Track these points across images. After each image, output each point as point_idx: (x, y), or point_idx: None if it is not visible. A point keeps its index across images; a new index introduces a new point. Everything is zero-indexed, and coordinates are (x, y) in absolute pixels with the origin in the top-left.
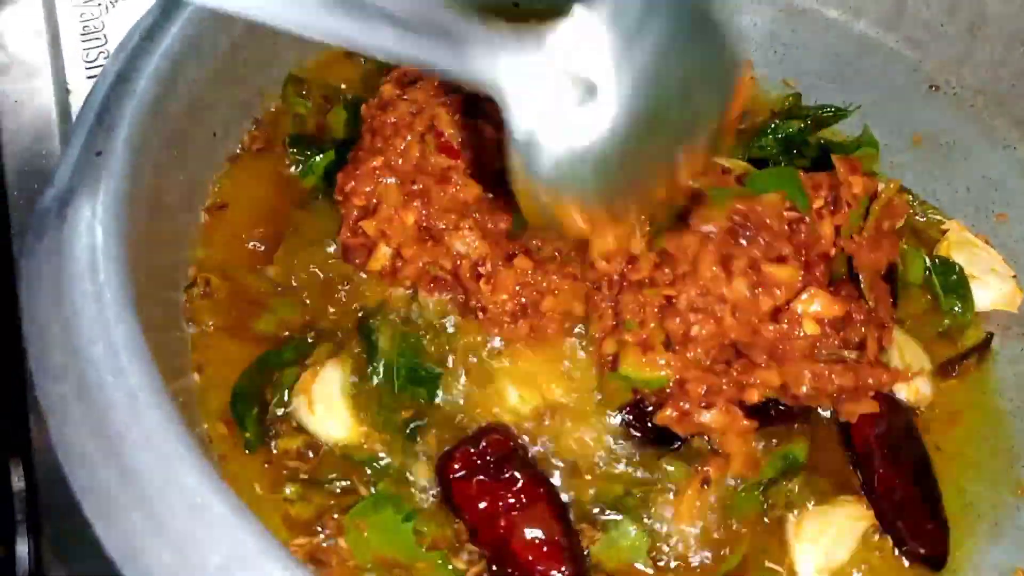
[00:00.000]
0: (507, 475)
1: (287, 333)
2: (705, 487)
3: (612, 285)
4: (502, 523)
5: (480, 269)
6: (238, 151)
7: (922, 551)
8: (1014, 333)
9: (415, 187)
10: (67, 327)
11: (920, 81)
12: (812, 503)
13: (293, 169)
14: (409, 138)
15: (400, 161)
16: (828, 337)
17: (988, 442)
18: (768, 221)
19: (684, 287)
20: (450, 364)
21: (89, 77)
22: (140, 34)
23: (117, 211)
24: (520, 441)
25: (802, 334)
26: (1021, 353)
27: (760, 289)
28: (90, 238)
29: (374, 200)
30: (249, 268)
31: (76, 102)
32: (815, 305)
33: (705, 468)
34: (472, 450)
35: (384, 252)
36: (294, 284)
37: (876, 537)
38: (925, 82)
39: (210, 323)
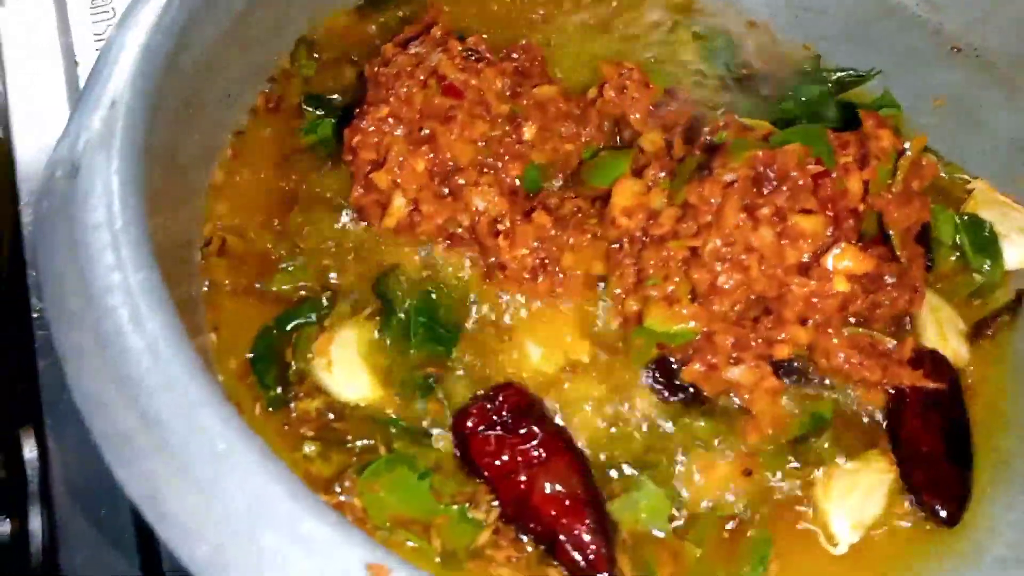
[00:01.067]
0: (525, 430)
1: (303, 293)
2: (747, 475)
3: (634, 242)
4: (522, 478)
5: (499, 226)
6: (251, 113)
7: (936, 507)
8: None
9: (422, 133)
10: (83, 275)
11: (941, 43)
12: (842, 459)
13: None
14: (411, 86)
15: (405, 109)
16: (858, 297)
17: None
18: (792, 172)
19: (709, 236)
20: (470, 323)
21: (97, 50)
22: None
23: (133, 160)
24: (538, 397)
25: (833, 291)
26: None
27: (787, 240)
28: (106, 188)
29: (383, 152)
30: (264, 229)
31: (85, 75)
32: (845, 260)
33: (745, 466)
34: (488, 406)
35: (399, 205)
36: (309, 247)
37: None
38: (946, 44)
39: (226, 282)
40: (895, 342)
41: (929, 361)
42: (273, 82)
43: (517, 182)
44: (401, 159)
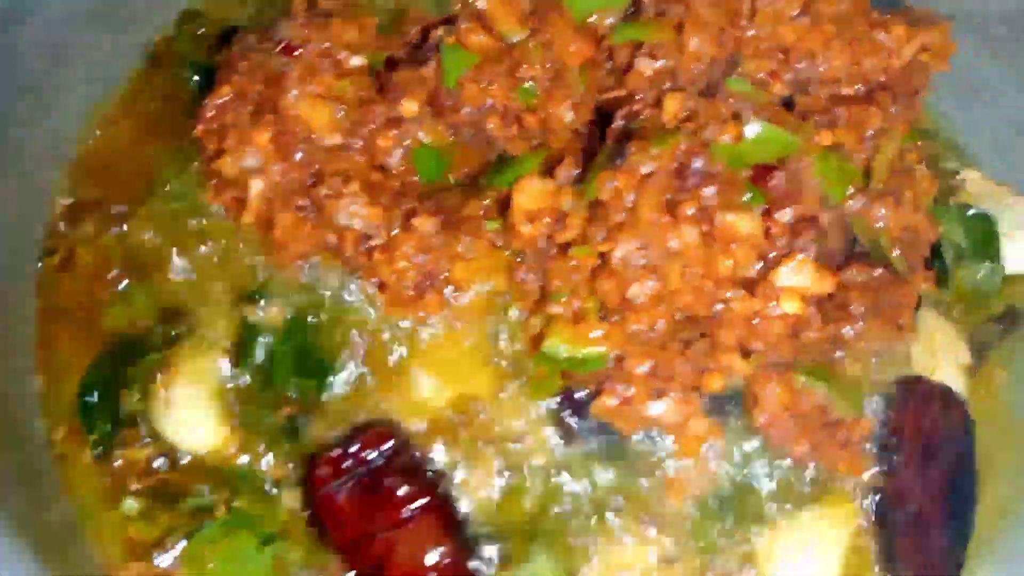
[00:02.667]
0: (387, 483)
1: (148, 322)
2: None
3: (539, 253)
4: (378, 543)
5: (372, 240)
6: (117, 100)
7: None
8: None
9: (264, 104)
10: None
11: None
12: (786, 513)
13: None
14: (253, 58)
15: (248, 84)
16: (812, 325)
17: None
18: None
19: (620, 239)
20: (349, 352)
21: None
22: None
23: None
24: (411, 442)
25: (780, 312)
26: None
27: (717, 244)
28: None
29: (226, 134)
30: (112, 231)
31: None
32: (799, 277)
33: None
34: (344, 454)
35: (256, 192)
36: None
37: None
38: (942, 10)
39: (63, 305)
40: (857, 415)
41: (940, 400)
42: (146, 64)
43: (399, 181)
44: (241, 133)
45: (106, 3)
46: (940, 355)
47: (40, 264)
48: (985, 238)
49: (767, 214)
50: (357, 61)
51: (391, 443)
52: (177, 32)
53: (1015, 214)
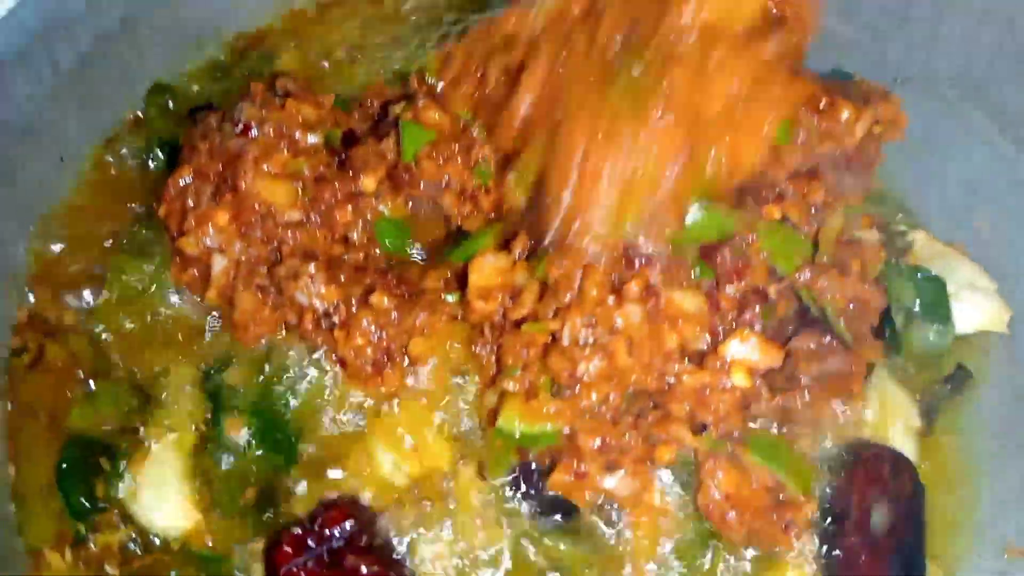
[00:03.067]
0: (348, 562)
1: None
2: None
3: (494, 328)
4: None
5: (333, 318)
6: (82, 177)
7: None
8: (1002, 358)
9: (224, 184)
10: None
11: (885, 73)
12: None
13: None
14: (212, 138)
15: (207, 165)
16: (761, 397)
17: (973, 494)
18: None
19: (568, 318)
20: (311, 425)
21: None
22: None
23: None
24: (374, 519)
25: (729, 384)
26: (1012, 383)
27: (665, 324)
28: None
29: (187, 214)
30: (79, 322)
31: None
32: (747, 351)
33: None
34: (304, 532)
35: (219, 269)
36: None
37: None
38: (891, 73)
39: (35, 403)
40: (807, 493)
41: (890, 463)
42: (112, 142)
43: (361, 254)
44: (202, 212)
45: (72, 80)
46: (892, 419)
47: (7, 363)
48: (936, 300)
49: (716, 288)
50: (313, 139)
51: (352, 521)
52: (146, 105)
53: (963, 275)
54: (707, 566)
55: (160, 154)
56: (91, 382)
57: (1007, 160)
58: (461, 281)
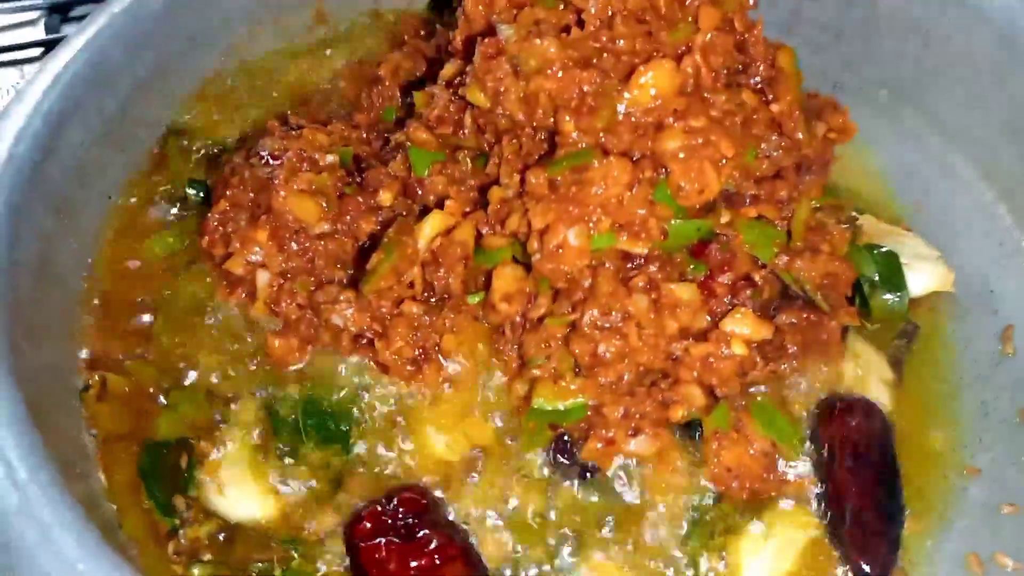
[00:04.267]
0: (420, 535)
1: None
2: None
3: (515, 327)
4: None
5: (367, 334)
6: (125, 213)
7: (862, 565)
8: (958, 312)
9: (258, 208)
10: None
11: (825, 81)
12: (749, 524)
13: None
14: (242, 172)
15: (241, 196)
16: (756, 364)
17: (938, 427)
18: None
19: (586, 308)
20: (366, 418)
21: None
22: (17, 98)
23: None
24: (437, 498)
25: (731, 353)
26: (971, 330)
27: (665, 309)
28: None
29: (229, 240)
30: (137, 349)
31: None
32: (743, 327)
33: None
34: (383, 511)
35: (263, 283)
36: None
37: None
38: (829, 81)
39: (112, 429)
40: (798, 453)
41: (860, 412)
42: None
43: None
44: (244, 235)
45: (110, 123)
46: (867, 374)
47: (81, 400)
48: (892, 271)
49: (710, 278)
50: (330, 158)
51: (423, 502)
52: (166, 146)
53: (910, 247)
54: (713, 514)
55: (190, 190)
56: (162, 397)
57: (934, 150)
58: (484, 283)
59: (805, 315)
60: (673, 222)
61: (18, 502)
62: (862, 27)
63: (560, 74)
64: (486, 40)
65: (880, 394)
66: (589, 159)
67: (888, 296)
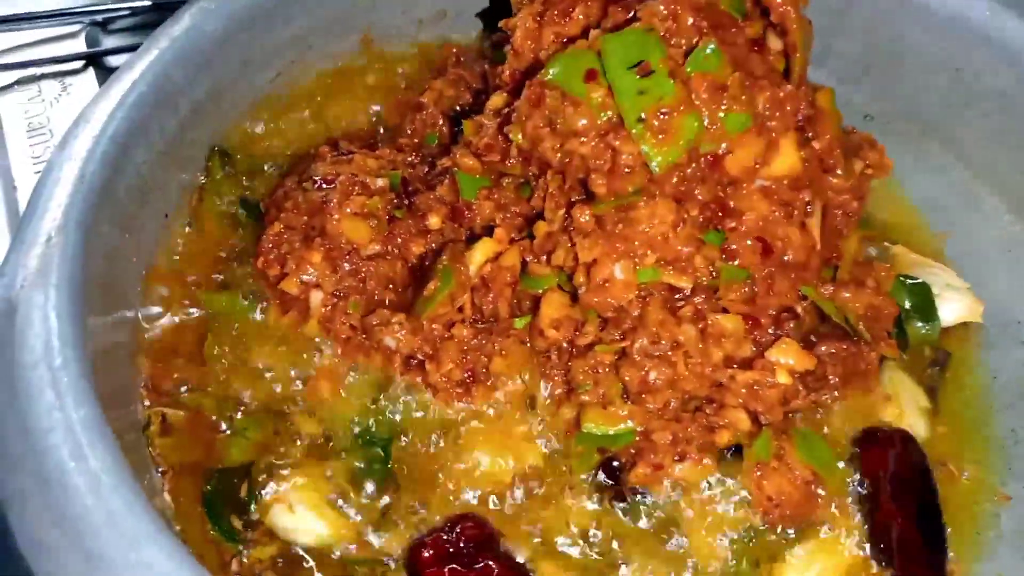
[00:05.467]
0: (481, 564)
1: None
2: None
3: (561, 353)
4: None
5: (418, 355)
6: (180, 232)
7: None
8: (987, 342)
9: (312, 231)
10: (23, 416)
11: (853, 112)
12: (791, 549)
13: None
14: (295, 195)
15: (294, 219)
16: (799, 394)
17: (970, 454)
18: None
19: (636, 337)
20: (420, 442)
21: (36, 173)
22: (84, 119)
23: (71, 294)
24: (497, 531)
25: (775, 382)
26: (999, 360)
27: (710, 339)
28: (44, 325)
29: (284, 262)
30: (192, 376)
31: (24, 200)
32: (787, 357)
33: None
34: (446, 538)
35: (316, 302)
36: (252, 397)
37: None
38: (859, 113)
39: (179, 463)
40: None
41: (900, 442)
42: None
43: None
44: (299, 257)
45: (170, 144)
46: (905, 403)
47: (146, 436)
48: (924, 301)
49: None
50: (380, 182)
51: (484, 532)
52: (211, 168)
53: (941, 278)
54: (756, 542)
55: (241, 211)
56: (224, 424)
57: (961, 183)
58: (531, 307)
59: (844, 346)
60: (721, 264)
61: (105, 516)
62: (890, 61)
63: (593, 143)
64: (532, 85)
65: (916, 422)
66: (637, 199)
67: (920, 325)
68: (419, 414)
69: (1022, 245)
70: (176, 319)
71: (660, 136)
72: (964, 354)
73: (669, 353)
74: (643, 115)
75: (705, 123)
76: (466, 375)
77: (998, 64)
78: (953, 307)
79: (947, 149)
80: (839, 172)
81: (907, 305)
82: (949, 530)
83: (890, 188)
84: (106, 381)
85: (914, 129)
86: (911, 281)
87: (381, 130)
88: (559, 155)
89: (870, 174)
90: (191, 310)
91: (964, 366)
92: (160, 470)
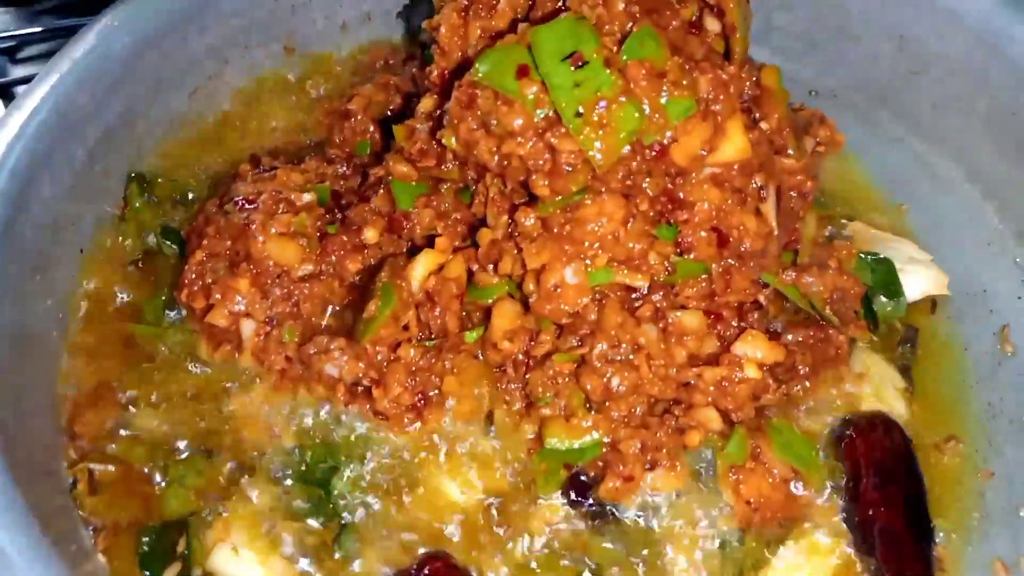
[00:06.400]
0: None
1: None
2: None
3: (517, 365)
4: None
5: (363, 382)
6: (104, 273)
7: None
8: (955, 314)
9: (237, 256)
10: None
11: (800, 88)
12: (776, 552)
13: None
14: (217, 220)
15: (217, 245)
16: (769, 388)
17: (950, 432)
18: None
19: (595, 342)
20: (373, 474)
21: None
22: None
23: None
24: (465, 568)
25: (744, 377)
26: (970, 332)
27: (672, 339)
28: None
29: (209, 292)
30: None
31: None
32: (754, 349)
33: None
34: None
35: (248, 333)
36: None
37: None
38: (805, 88)
39: (113, 521)
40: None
41: (882, 428)
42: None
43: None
44: (224, 285)
45: (79, 175)
46: (881, 386)
47: (73, 496)
48: (889, 278)
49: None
50: (308, 197)
51: (454, 572)
52: (132, 195)
53: (902, 251)
54: (738, 551)
55: (164, 241)
56: (159, 474)
57: (914, 152)
58: (473, 320)
59: (812, 332)
60: (677, 258)
61: None
62: (835, 33)
63: (531, 143)
64: (461, 86)
65: (895, 403)
66: (582, 197)
67: (886, 302)
68: (368, 443)
69: (981, 213)
70: (99, 363)
71: (601, 130)
72: (932, 330)
73: (631, 357)
74: (581, 109)
75: (646, 112)
76: (417, 398)
77: (945, 28)
78: (918, 281)
79: (899, 119)
80: (790, 152)
81: (871, 283)
82: (936, 521)
83: (843, 163)
84: (21, 447)
85: (864, 101)
86: (873, 257)
87: (309, 142)
88: (496, 158)
89: (822, 151)
90: (113, 351)
91: (935, 341)
92: (93, 530)
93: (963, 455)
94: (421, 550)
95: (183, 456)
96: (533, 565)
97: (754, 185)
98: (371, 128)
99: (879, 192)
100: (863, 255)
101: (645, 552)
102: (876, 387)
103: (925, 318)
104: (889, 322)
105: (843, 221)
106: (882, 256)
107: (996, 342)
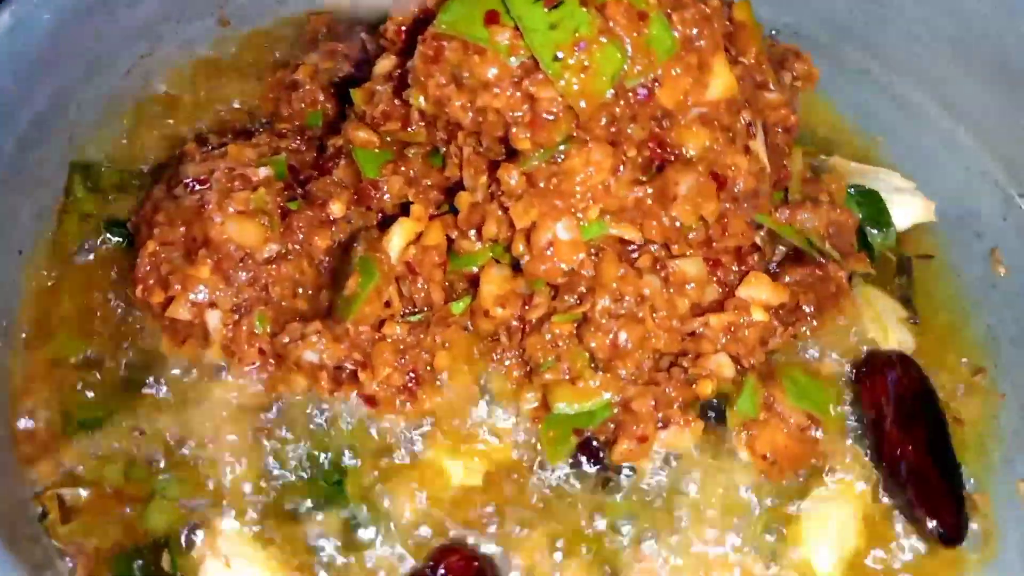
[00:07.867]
0: None
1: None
2: None
3: (512, 332)
4: None
5: (348, 365)
6: (46, 274)
7: (937, 527)
8: (943, 241)
9: (194, 242)
10: None
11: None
12: (799, 504)
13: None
14: (167, 206)
15: (170, 232)
16: (776, 331)
17: (957, 358)
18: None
19: (596, 298)
20: (374, 461)
21: None
22: None
23: None
24: (484, 558)
25: (752, 321)
26: (960, 257)
27: (673, 289)
28: None
29: (167, 283)
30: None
31: None
32: (759, 291)
33: None
34: None
35: (215, 325)
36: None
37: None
38: (768, 27)
39: (93, 548)
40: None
41: (899, 364)
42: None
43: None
44: (184, 275)
45: (11, 167)
46: (886, 319)
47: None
48: (876, 209)
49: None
50: (264, 172)
51: (472, 565)
52: (70, 186)
53: (885, 182)
54: (760, 508)
55: (110, 235)
56: (137, 490)
57: (883, 84)
58: (458, 290)
59: (811, 270)
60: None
61: None
62: None
63: (508, 94)
64: (426, 39)
65: (903, 336)
66: (567, 148)
67: (876, 233)
68: (362, 432)
69: (956, 137)
70: (56, 376)
71: (581, 74)
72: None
73: (635, 310)
74: (559, 53)
75: (628, 53)
76: (408, 378)
77: None
78: (905, 211)
79: (866, 52)
80: (771, 87)
81: (861, 216)
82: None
83: (815, 100)
84: None
85: (827, 37)
86: (858, 190)
87: (257, 120)
88: (471, 113)
89: (799, 86)
90: (70, 360)
91: (928, 270)
92: (70, 561)
93: (973, 381)
94: (433, 540)
95: (162, 466)
96: (560, 542)
97: (742, 122)
98: (321, 98)
99: (852, 126)
100: (849, 188)
101: (663, 512)
102: (882, 321)
103: (916, 248)
104: (883, 253)
105: (822, 157)
106: (868, 188)
107: (987, 265)
